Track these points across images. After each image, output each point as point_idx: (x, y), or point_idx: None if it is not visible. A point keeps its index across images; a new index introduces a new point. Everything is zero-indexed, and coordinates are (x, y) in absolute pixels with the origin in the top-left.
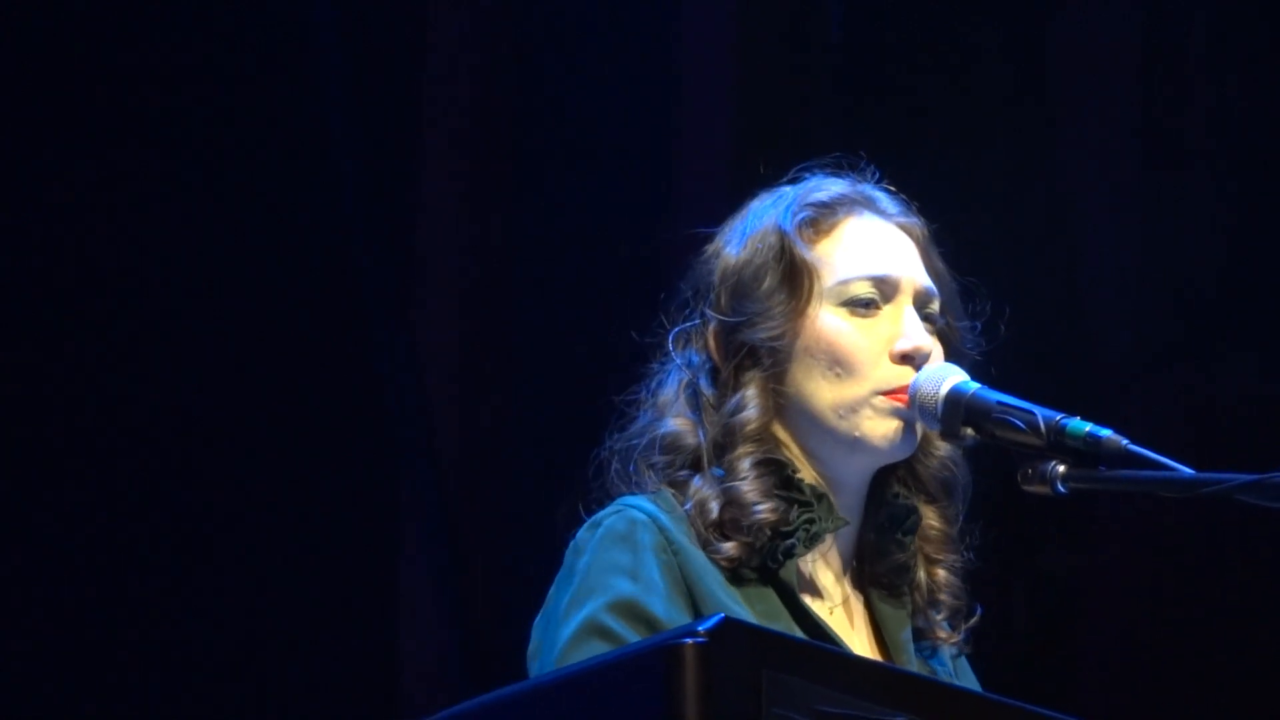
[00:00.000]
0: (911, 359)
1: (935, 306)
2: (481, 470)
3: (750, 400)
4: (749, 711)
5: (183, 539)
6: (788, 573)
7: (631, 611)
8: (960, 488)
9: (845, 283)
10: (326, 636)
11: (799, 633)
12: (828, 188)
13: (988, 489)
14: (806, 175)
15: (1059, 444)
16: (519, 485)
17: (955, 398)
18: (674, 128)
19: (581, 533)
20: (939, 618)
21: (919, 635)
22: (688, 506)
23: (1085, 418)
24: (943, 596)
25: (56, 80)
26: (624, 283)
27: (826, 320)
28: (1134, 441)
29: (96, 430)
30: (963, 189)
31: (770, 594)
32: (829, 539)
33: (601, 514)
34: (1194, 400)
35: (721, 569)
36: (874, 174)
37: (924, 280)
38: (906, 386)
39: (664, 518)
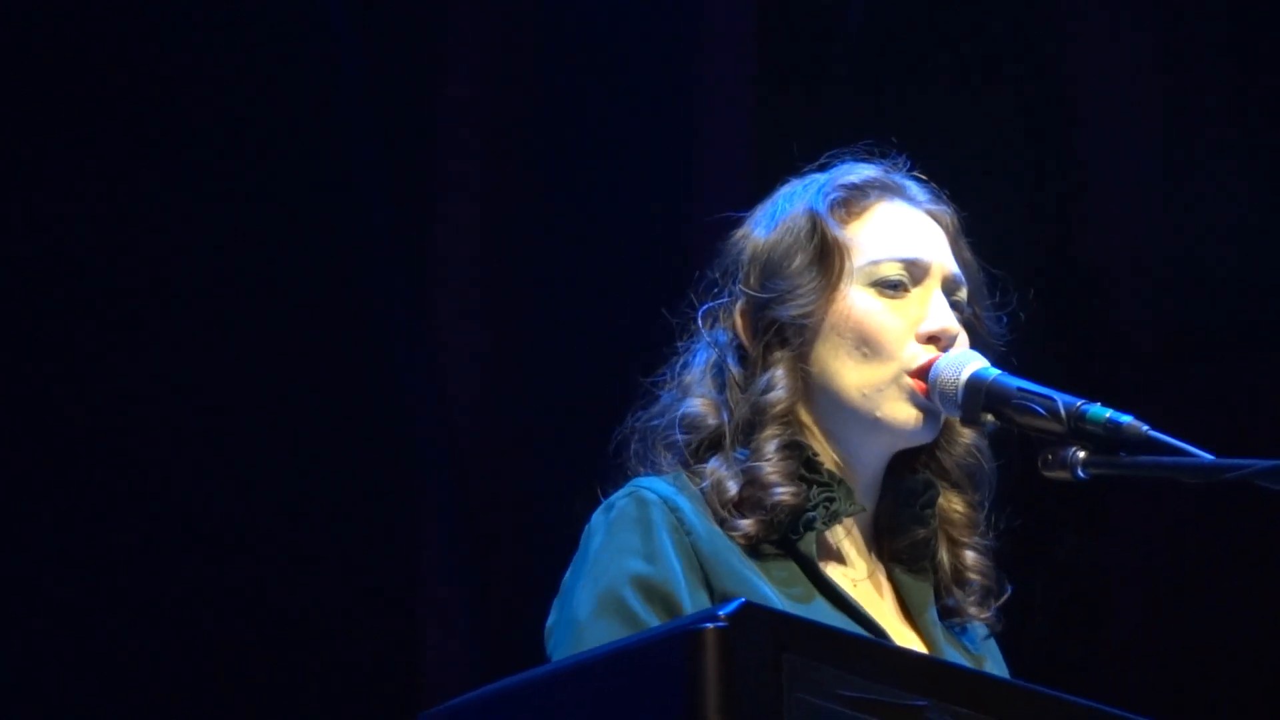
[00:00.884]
0: (938, 340)
1: (963, 294)
2: (502, 458)
3: (779, 380)
4: (770, 696)
5: (210, 531)
6: (807, 544)
7: (646, 589)
8: (985, 476)
9: (875, 264)
10: (349, 623)
11: (820, 600)
12: (859, 172)
13: (1006, 475)
14: (837, 162)
15: (1079, 429)
16: (539, 473)
17: (975, 384)
18: (694, 120)
19: (595, 515)
20: (970, 597)
21: (948, 613)
22: (704, 486)
23: (1108, 405)
24: (972, 575)
25: (81, 81)
26: (644, 276)
27: (855, 299)
28: (1155, 428)
29: (130, 432)
30: (984, 177)
31: (791, 565)
32: (848, 521)
33: (614, 496)
34: (1217, 390)
35: (739, 545)
36: (905, 163)
37: (953, 267)
38: (932, 363)
39: (677, 498)
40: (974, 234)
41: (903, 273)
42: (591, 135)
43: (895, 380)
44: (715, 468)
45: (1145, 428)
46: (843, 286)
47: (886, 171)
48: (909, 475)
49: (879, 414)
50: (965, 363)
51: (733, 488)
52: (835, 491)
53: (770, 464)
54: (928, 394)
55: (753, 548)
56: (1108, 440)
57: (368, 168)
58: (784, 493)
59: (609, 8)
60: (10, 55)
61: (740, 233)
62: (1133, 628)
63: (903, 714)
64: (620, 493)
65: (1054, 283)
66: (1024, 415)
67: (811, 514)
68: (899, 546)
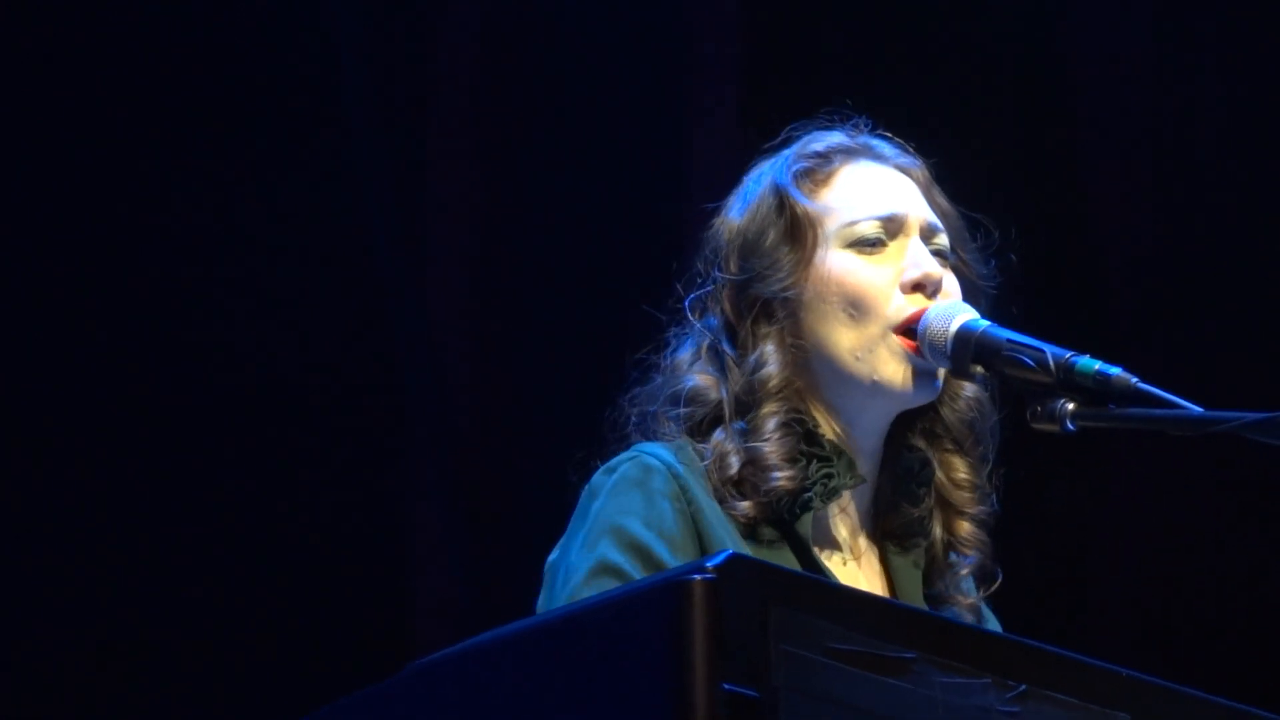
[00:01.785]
0: (923, 287)
1: (942, 240)
2: (493, 416)
3: (770, 356)
4: (758, 648)
5: (201, 506)
6: (803, 526)
7: (644, 554)
8: (987, 430)
9: (850, 225)
10: (341, 585)
11: None
12: (822, 140)
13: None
14: (799, 135)
15: (1068, 381)
16: (530, 431)
17: (965, 335)
18: (684, 93)
19: (597, 476)
20: (963, 572)
21: (936, 601)
22: (707, 458)
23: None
24: (967, 551)
25: (74, 67)
26: (634, 250)
27: (835, 262)
28: (1144, 380)
29: (122, 400)
30: (974, 140)
31: (784, 548)
32: (846, 495)
33: (617, 459)
34: (1203, 345)
35: (737, 524)
36: (866, 124)
37: (928, 215)
38: (921, 313)
39: (680, 467)
40: (956, 189)
41: (879, 229)
42: (584, 113)
43: (884, 339)
44: (720, 440)
45: (1134, 380)
46: (820, 254)
47: (850, 135)
48: (906, 452)
49: (875, 377)
50: (955, 314)
51: (735, 464)
52: (835, 466)
53: (770, 444)
54: (918, 350)
55: (749, 527)
56: (1097, 392)
57: (361, 147)
58: (782, 477)
59: None
60: None
61: (717, 220)
62: (1121, 580)
63: (890, 666)
64: (623, 455)
65: (1043, 241)
66: (1013, 367)
67: (808, 495)
68: (893, 524)
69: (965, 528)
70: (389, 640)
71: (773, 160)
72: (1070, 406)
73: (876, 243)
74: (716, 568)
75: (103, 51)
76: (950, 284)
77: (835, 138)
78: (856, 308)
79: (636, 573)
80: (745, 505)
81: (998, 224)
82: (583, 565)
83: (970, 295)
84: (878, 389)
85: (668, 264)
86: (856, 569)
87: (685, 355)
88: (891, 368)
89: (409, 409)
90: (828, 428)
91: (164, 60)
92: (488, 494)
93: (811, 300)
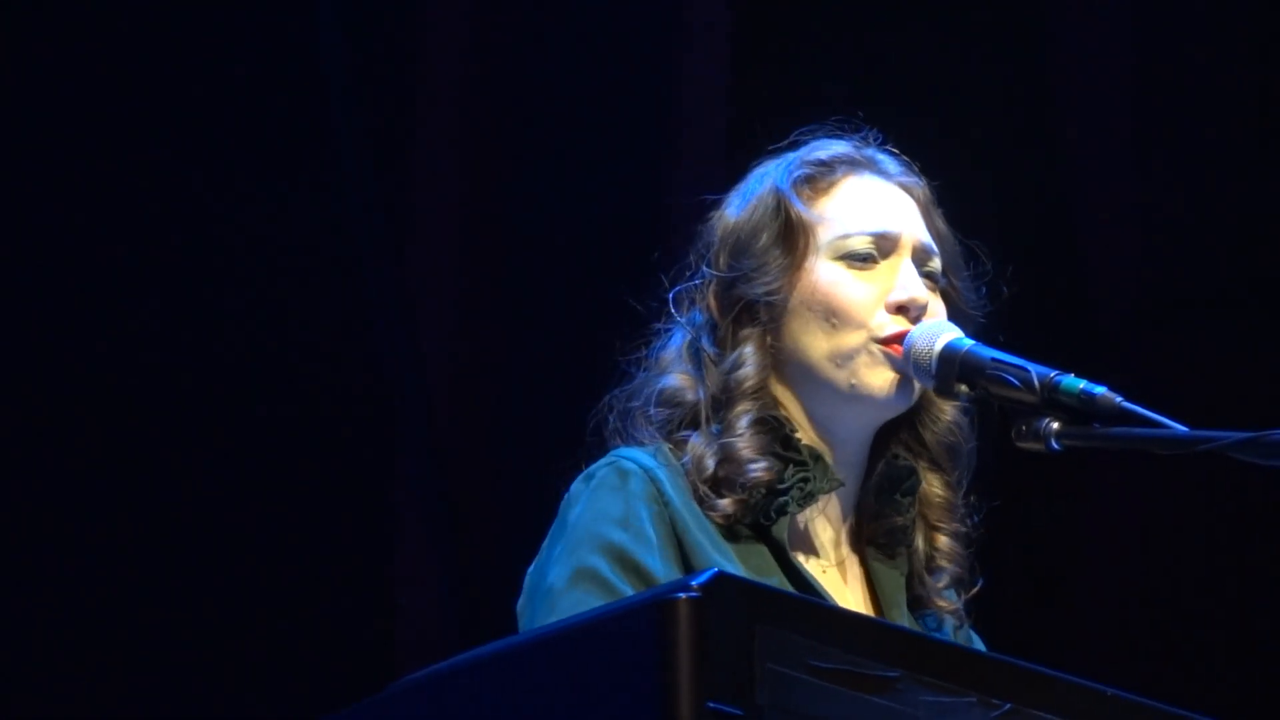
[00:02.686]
0: (906, 310)
1: (936, 264)
2: (478, 429)
3: (748, 358)
4: (742, 667)
5: (181, 504)
6: (779, 530)
7: (623, 560)
8: (965, 454)
9: (843, 238)
10: (325, 594)
11: (790, 589)
12: (828, 148)
13: (981, 447)
14: (808, 139)
15: (1053, 400)
16: (515, 444)
17: (949, 354)
18: (672, 90)
19: (575, 484)
20: (940, 585)
21: (919, 604)
22: (685, 461)
23: (1081, 376)
24: (944, 563)
25: (51, 67)
26: (622, 256)
27: (823, 272)
28: (1129, 399)
29: (103, 408)
30: (958, 143)
31: (763, 550)
32: (827, 498)
33: (595, 466)
34: (1191, 359)
35: (716, 525)
36: (876, 137)
37: (924, 237)
38: (902, 335)
39: (658, 470)
40: (944, 199)
41: (871, 245)
42: (570, 105)
43: (865, 347)
44: (696, 443)
45: (1119, 399)
46: (809, 262)
47: (856, 147)
48: (893, 461)
49: (853, 381)
50: (940, 333)
51: (711, 464)
52: (811, 470)
53: (743, 440)
54: (904, 359)
55: (729, 529)
56: (1081, 412)
57: (346, 148)
58: (759, 469)
59: None
60: None
61: (715, 215)
62: (1106, 598)
63: (875, 684)
64: (601, 462)
65: (1029, 252)
66: (998, 386)
67: (784, 499)
68: (876, 532)
69: (944, 541)
70: (373, 652)
71: (777, 162)
72: (1055, 426)
73: (867, 258)
74: (702, 586)
75: (90, 53)
76: (936, 309)
77: (841, 147)
78: (839, 318)
79: (616, 578)
80: (724, 503)
81: (984, 244)
82: (563, 572)
83: (957, 322)
84: (855, 395)
85: (656, 269)
86: (837, 573)
87: (668, 353)
88: (871, 373)
89: (394, 418)
90: (805, 433)
91: (147, 64)
92: (473, 504)
93: (796, 307)
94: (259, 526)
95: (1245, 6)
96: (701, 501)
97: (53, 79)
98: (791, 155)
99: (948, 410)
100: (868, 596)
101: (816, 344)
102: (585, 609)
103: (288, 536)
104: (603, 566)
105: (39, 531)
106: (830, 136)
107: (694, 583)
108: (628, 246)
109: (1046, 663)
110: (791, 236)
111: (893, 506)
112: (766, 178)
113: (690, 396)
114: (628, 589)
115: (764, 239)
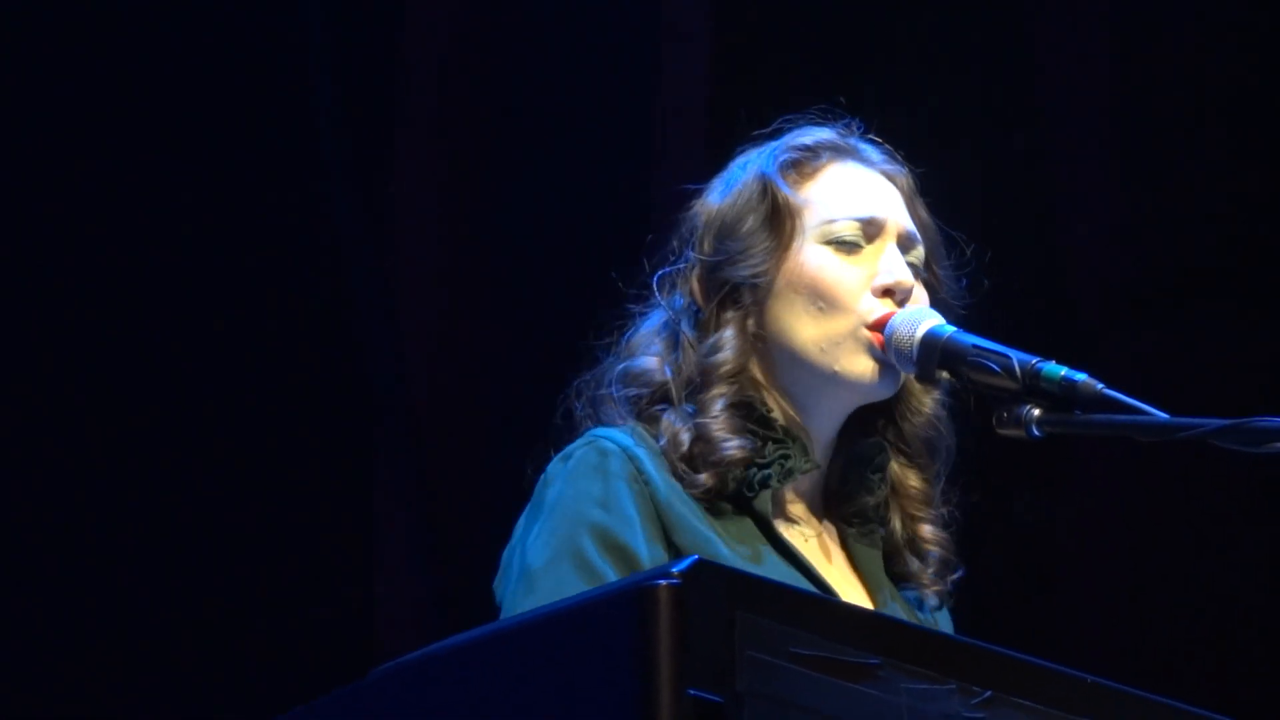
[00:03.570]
0: (892, 293)
1: (919, 254)
2: (457, 420)
3: (727, 341)
4: (722, 654)
5: (165, 491)
6: (762, 502)
7: (604, 539)
8: (943, 448)
9: (830, 222)
10: (305, 581)
11: (773, 557)
12: (812, 134)
13: (963, 435)
14: (790, 127)
15: (1034, 387)
16: (496, 432)
17: (931, 340)
18: (652, 80)
19: (552, 464)
20: (927, 569)
21: (899, 580)
22: (661, 440)
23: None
24: (930, 547)
25: (34, 66)
26: (603, 247)
27: (809, 256)
28: (1110, 386)
29: (82, 404)
30: (940, 135)
31: (747, 522)
32: (799, 482)
33: (572, 446)
34: (1170, 351)
35: (696, 500)
36: (858, 126)
37: (908, 225)
38: (888, 317)
39: (637, 449)
40: (929, 192)
41: (857, 231)
42: (551, 96)
43: (853, 333)
44: (669, 420)
45: (1100, 386)
46: (795, 245)
47: (840, 134)
48: (860, 438)
49: (837, 367)
50: (921, 319)
51: (686, 439)
52: (790, 449)
53: (717, 421)
54: (884, 348)
55: (710, 504)
56: (1063, 398)
57: (325, 129)
58: (733, 447)
59: None
60: None
61: (698, 201)
62: (1087, 585)
63: (855, 672)
64: (579, 442)
65: (1009, 244)
66: (979, 372)
67: (766, 471)
68: (848, 511)
69: (926, 530)
70: (353, 639)
71: (760, 149)
72: (1036, 412)
73: (854, 244)
74: (682, 573)
75: (71, 51)
76: (920, 296)
77: (825, 134)
78: (826, 302)
79: (597, 558)
80: (703, 478)
81: (964, 231)
82: (542, 552)
83: (939, 311)
84: (839, 379)
85: (638, 262)
86: (818, 545)
87: (639, 336)
88: (857, 360)
89: (374, 409)
90: (781, 413)
91: (129, 62)
92: (452, 495)
93: (781, 290)
94: (239, 516)
95: (1223, 2)
96: (680, 478)
97: (37, 80)
98: (776, 142)
99: (928, 402)
100: (850, 568)
101: (802, 327)
102: (565, 589)
103: (268, 525)
104: (584, 546)
105: (21, 529)
106: (813, 124)
107: (674, 569)
108: (609, 244)
109: (1027, 650)
110: (778, 220)
111: (864, 484)
112: (751, 164)
113: (658, 377)
114: (609, 569)
115: (750, 222)
